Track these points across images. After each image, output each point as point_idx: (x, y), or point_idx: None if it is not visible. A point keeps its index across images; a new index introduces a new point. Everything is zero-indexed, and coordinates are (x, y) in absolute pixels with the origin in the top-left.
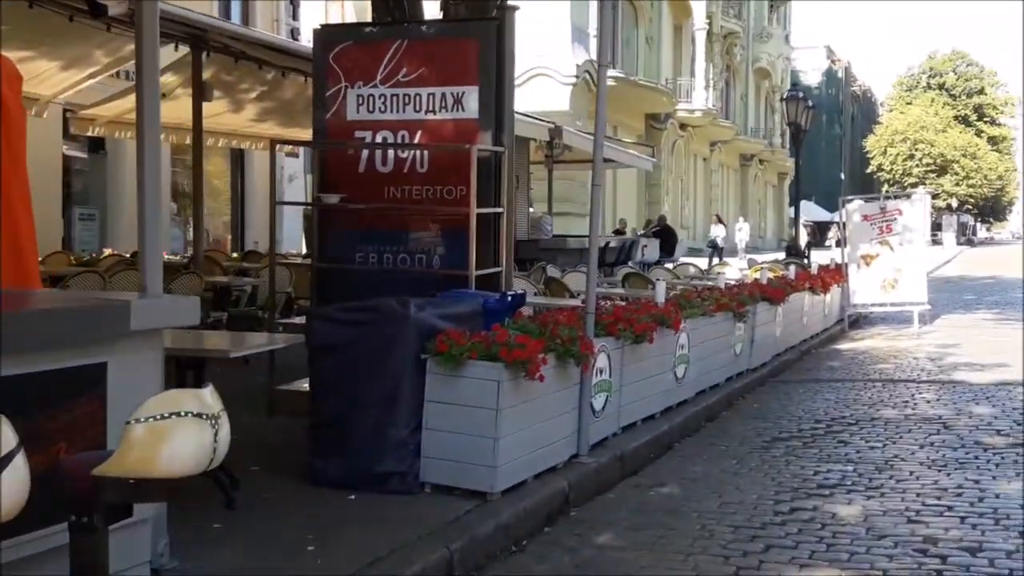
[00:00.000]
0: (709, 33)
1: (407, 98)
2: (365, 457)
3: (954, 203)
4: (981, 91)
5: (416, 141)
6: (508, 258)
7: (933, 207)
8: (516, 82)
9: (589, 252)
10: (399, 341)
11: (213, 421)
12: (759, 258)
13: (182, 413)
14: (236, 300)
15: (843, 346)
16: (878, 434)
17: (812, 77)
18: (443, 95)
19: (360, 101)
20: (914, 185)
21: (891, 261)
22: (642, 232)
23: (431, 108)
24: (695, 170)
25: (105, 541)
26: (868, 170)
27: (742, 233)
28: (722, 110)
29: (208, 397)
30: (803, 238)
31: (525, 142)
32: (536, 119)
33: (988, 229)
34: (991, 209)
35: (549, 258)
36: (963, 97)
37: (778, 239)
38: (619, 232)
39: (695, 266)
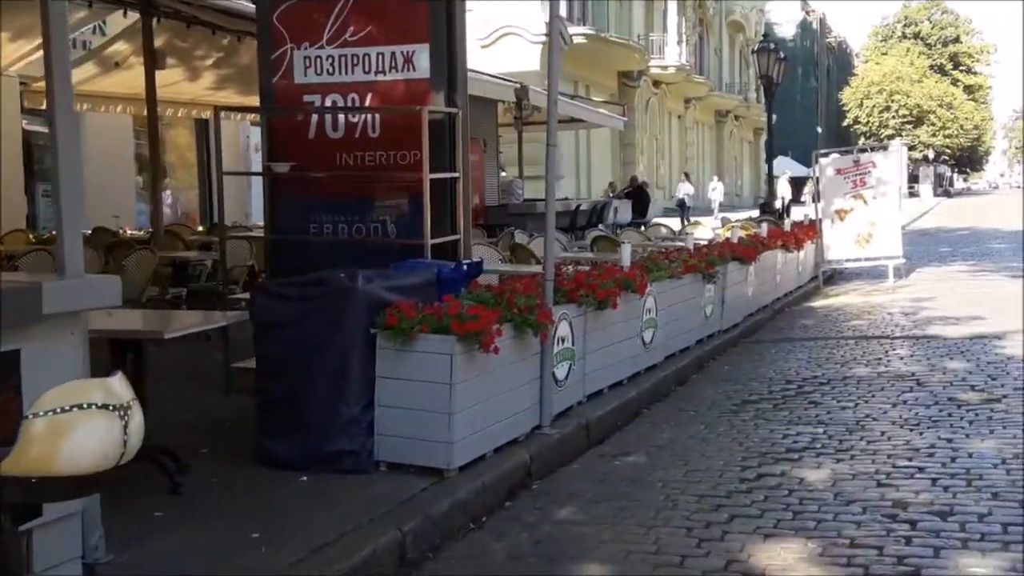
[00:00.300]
0: None
1: (355, 59)
2: (316, 436)
3: (931, 154)
4: (957, 39)
5: (367, 104)
6: (466, 225)
7: (910, 159)
8: (484, 42)
9: (547, 217)
10: (347, 315)
11: (122, 412)
12: (734, 216)
13: (85, 405)
14: (199, 275)
15: (817, 303)
16: (850, 393)
17: (787, 29)
18: (392, 55)
19: (307, 63)
20: (891, 137)
21: (865, 215)
22: (614, 194)
23: (381, 69)
24: (670, 128)
25: (18, 541)
26: (845, 123)
27: (716, 192)
28: (696, 66)
29: (117, 386)
30: (787, 193)
31: (492, 104)
32: (503, 80)
33: (965, 179)
34: (968, 159)
35: (519, 223)
36: (938, 46)
37: (755, 196)
38: (631, 190)
39: (667, 227)
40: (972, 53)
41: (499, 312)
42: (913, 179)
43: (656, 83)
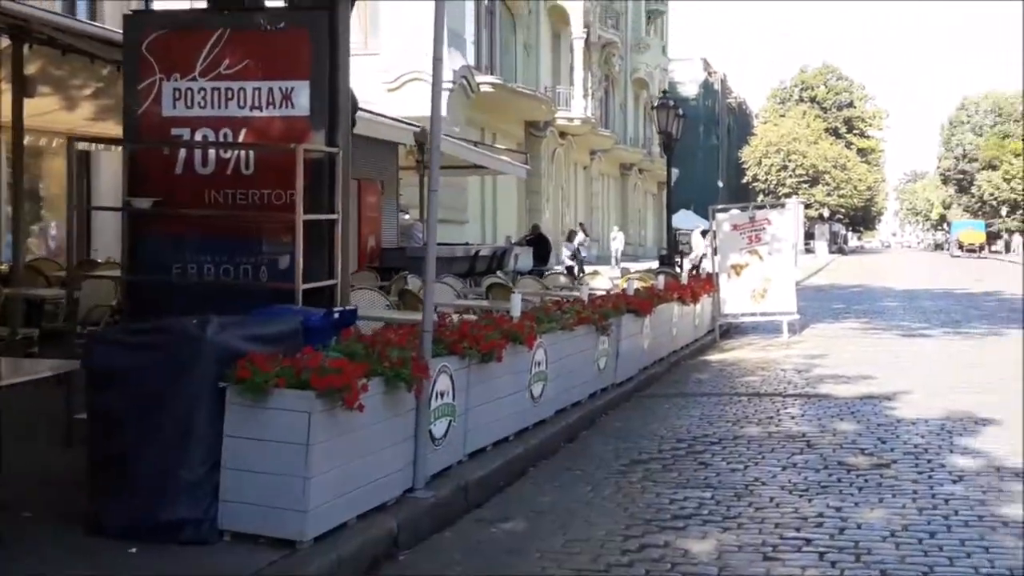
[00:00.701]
0: (587, 42)
1: (230, 92)
2: (152, 501)
3: (826, 213)
4: (851, 104)
5: (241, 140)
6: (344, 269)
7: (806, 216)
8: (391, 86)
9: (425, 265)
10: (194, 367)
11: None
12: (636, 267)
13: None
14: (55, 314)
15: (713, 357)
16: (740, 454)
17: (690, 88)
18: (270, 90)
19: (177, 95)
20: (788, 195)
21: (761, 271)
22: (516, 240)
23: (257, 104)
24: (576, 178)
25: None
26: (744, 180)
27: (616, 242)
28: (602, 119)
29: None
30: (701, 247)
31: (393, 146)
32: (404, 122)
33: (859, 238)
34: (862, 219)
35: (417, 267)
36: (833, 110)
37: (658, 247)
38: (532, 238)
39: (567, 275)
40: (865, 118)
41: (367, 365)
42: (809, 236)
43: (562, 134)
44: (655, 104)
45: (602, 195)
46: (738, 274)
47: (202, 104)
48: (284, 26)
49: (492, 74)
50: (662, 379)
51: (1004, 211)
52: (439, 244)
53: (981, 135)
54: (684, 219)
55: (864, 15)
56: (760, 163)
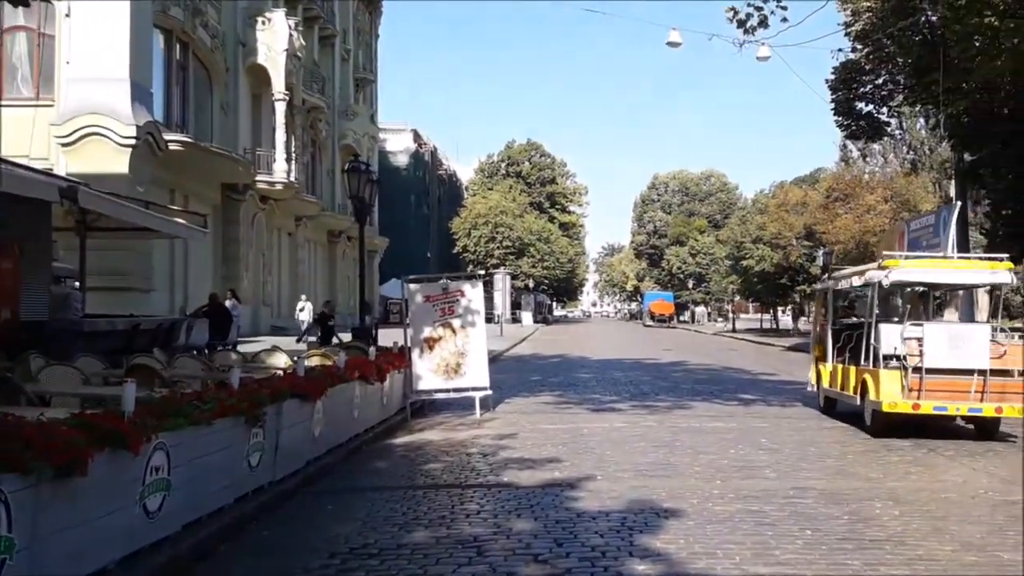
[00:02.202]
0: (291, 105)
1: None
2: None
3: (531, 283)
4: (553, 180)
5: None
6: None
7: (513, 287)
8: (65, 140)
9: None
10: None
11: None
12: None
13: None
14: None
15: (399, 440)
16: (399, 570)
17: (401, 159)
18: None
19: None
20: (496, 266)
21: (454, 344)
22: (190, 312)
23: None
24: (280, 245)
25: None
26: (455, 250)
27: (304, 313)
28: (308, 184)
29: None
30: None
31: (45, 205)
32: (49, 176)
33: (563, 307)
34: (565, 289)
35: (56, 344)
36: (538, 185)
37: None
38: (324, 315)
39: (241, 352)
40: (567, 193)
41: None
42: (516, 306)
43: (264, 198)
44: (345, 168)
45: (308, 263)
46: (431, 348)
47: None
48: None
49: (184, 132)
50: (336, 470)
51: (690, 283)
52: (94, 316)
53: (670, 212)
54: (395, 289)
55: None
56: (470, 234)
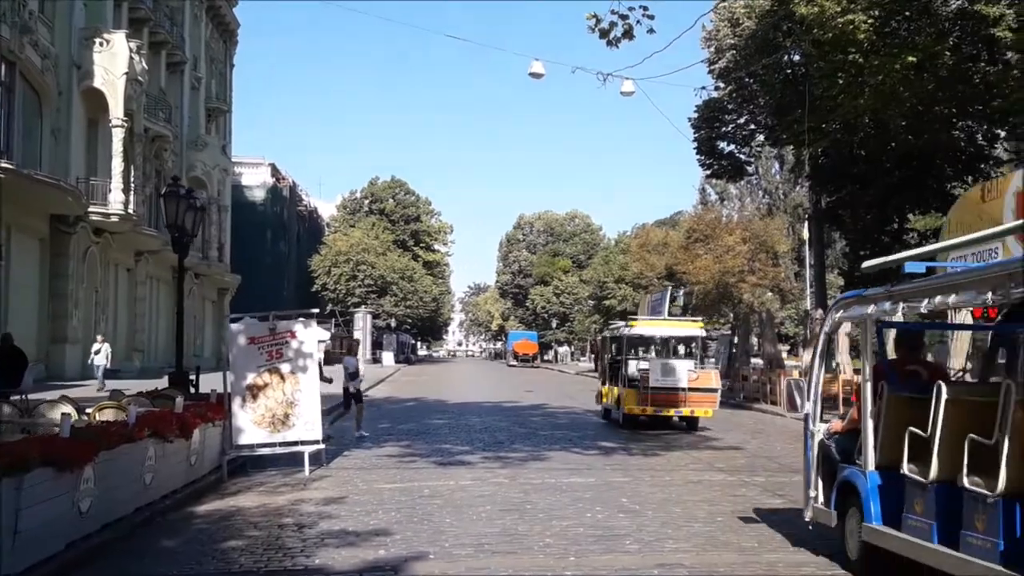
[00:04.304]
0: (131, 132)
1: None
2: None
3: (393, 323)
4: (418, 218)
5: None
6: None
7: (375, 326)
8: None
9: None
10: None
11: None
12: (133, 386)
13: None
14: None
15: (205, 507)
16: None
17: (258, 193)
18: None
19: None
20: (357, 304)
21: (281, 392)
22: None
23: None
24: (117, 281)
25: None
26: (314, 288)
27: (100, 356)
28: (150, 218)
29: None
30: None
31: None
32: None
33: (428, 347)
34: (429, 328)
35: None
36: (402, 223)
37: (217, 358)
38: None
39: (17, 404)
40: (431, 232)
41: None
42: (377, 345)
43: (98, 231)
44: (163, 192)
45: (150, 300)
46: (255, 397)
47: None
48: None
49: (6, 159)
50: (109, 552)
51: (554, 323)
52: None
53: (535, 252)
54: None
55: (434, 133)
56: (330, 272)
